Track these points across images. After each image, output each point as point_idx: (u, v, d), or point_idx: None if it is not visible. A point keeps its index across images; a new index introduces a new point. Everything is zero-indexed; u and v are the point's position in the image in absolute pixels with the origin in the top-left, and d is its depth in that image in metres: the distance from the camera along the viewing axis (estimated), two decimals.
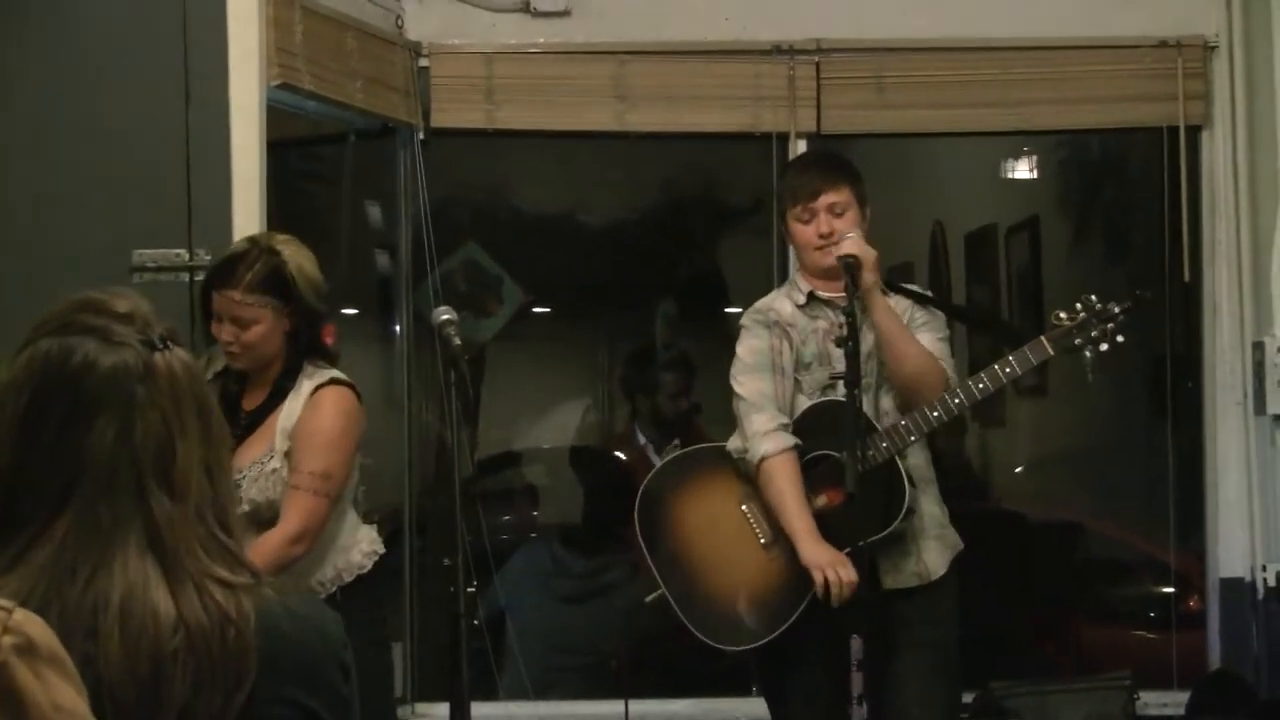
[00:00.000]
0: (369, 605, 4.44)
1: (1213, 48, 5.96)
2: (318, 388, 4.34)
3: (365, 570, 4.43)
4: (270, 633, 1.89)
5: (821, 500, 4.66)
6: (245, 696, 1.85)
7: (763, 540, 4.70)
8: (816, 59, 5.98)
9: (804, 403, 4.73)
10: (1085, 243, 7.53)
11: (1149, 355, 6.49)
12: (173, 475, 1.90)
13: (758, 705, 5.52)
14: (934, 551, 4.75)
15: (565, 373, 7.89)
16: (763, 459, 4.64)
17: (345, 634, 2.01)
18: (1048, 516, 7.22)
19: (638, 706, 5.33)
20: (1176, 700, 5.81)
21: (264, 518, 4.26)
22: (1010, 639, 6.83)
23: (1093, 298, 4.70)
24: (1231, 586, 5.93)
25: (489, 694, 5.64)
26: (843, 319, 4.47)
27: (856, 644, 4.30)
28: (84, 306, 1.95)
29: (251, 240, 4.37)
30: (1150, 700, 5.80)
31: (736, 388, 4.76)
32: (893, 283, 4.85)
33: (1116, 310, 4.70)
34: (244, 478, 4.23)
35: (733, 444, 4.78)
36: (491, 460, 7.20)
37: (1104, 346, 4.70)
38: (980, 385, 4.62)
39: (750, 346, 4.79)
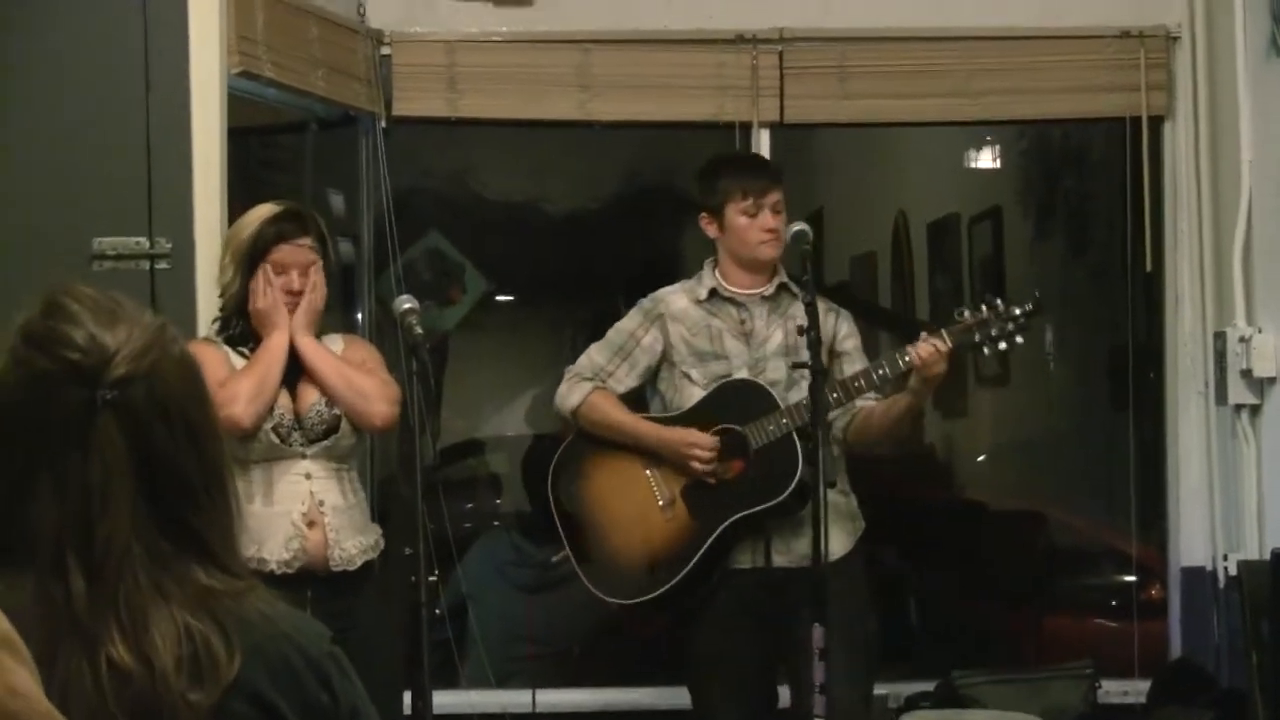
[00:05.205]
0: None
1: (1175, 38, 5.97)
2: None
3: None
4: (250, 651, 1.81)
5: (724, 470, 4.80)
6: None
7: (660, 502, 4.85)
8: (780, 48, 5.97)
9: (697, 393, 4.86)
10: (1047, 232, 7.55)
11: (1110, 345, 6.51)
12: (90, 553, 1.77)
13: None
14: (831, 535, 4.72)
15: (528, 361, 7.88)
16: (573, 411, 4.92)
17: (328, 643, 1.90)
18: (1009, 506, 7.23)
19: (600, 695, 5.32)
20: (1138, 689, 5.83)
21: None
22: (972, 628, 6.85)
23: (997, 299, 4.78)
24: (1193, 576, 5.95)
25: (450, 683, 5.63)
26: (803, 303, 4.49)
27: (818, 633, 4.28)
28: (44, 337, 1.81)
29: (279, 201, 4.55)
30: (1111, 689, 5.84)
31: (580, 356, 5.00)
32: (801, 280, 4.83)
33: (1018, 312, 4.75)
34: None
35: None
36: (454, 448, 7.20)
37: (1002, 345, 4.78)
38: (880, 371, 4.73)
39: (619, 325, 5.01)
